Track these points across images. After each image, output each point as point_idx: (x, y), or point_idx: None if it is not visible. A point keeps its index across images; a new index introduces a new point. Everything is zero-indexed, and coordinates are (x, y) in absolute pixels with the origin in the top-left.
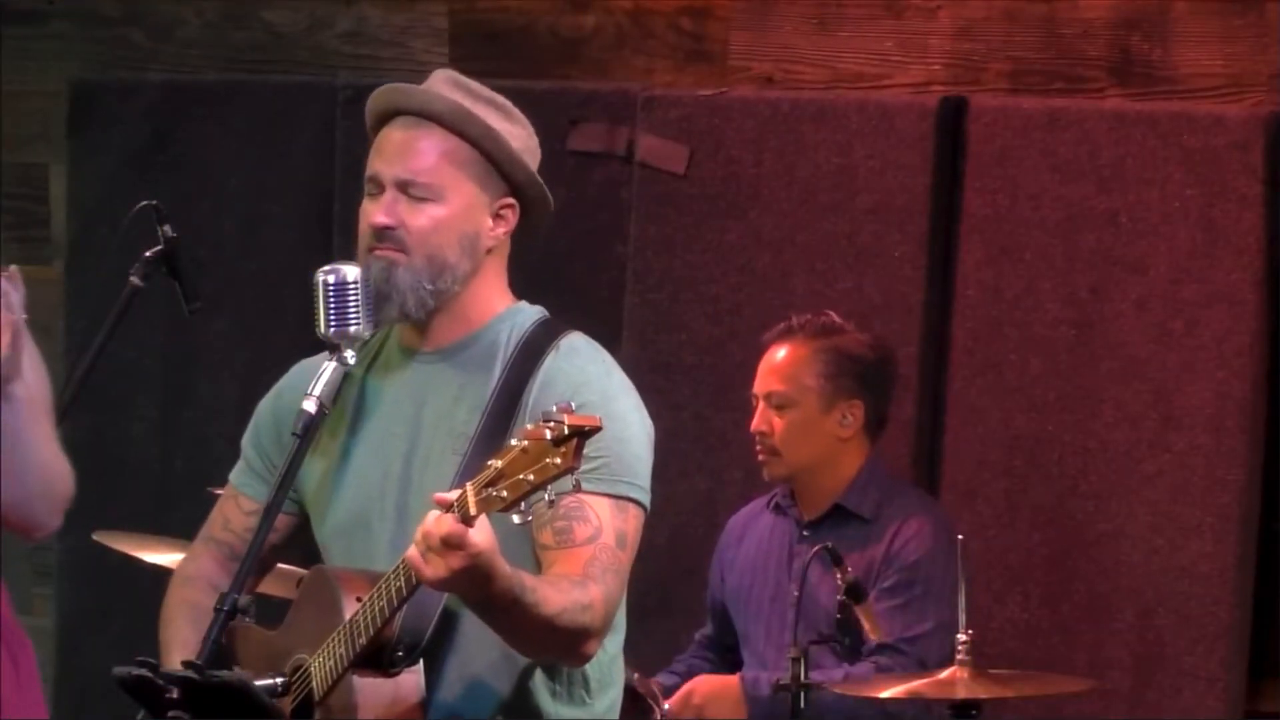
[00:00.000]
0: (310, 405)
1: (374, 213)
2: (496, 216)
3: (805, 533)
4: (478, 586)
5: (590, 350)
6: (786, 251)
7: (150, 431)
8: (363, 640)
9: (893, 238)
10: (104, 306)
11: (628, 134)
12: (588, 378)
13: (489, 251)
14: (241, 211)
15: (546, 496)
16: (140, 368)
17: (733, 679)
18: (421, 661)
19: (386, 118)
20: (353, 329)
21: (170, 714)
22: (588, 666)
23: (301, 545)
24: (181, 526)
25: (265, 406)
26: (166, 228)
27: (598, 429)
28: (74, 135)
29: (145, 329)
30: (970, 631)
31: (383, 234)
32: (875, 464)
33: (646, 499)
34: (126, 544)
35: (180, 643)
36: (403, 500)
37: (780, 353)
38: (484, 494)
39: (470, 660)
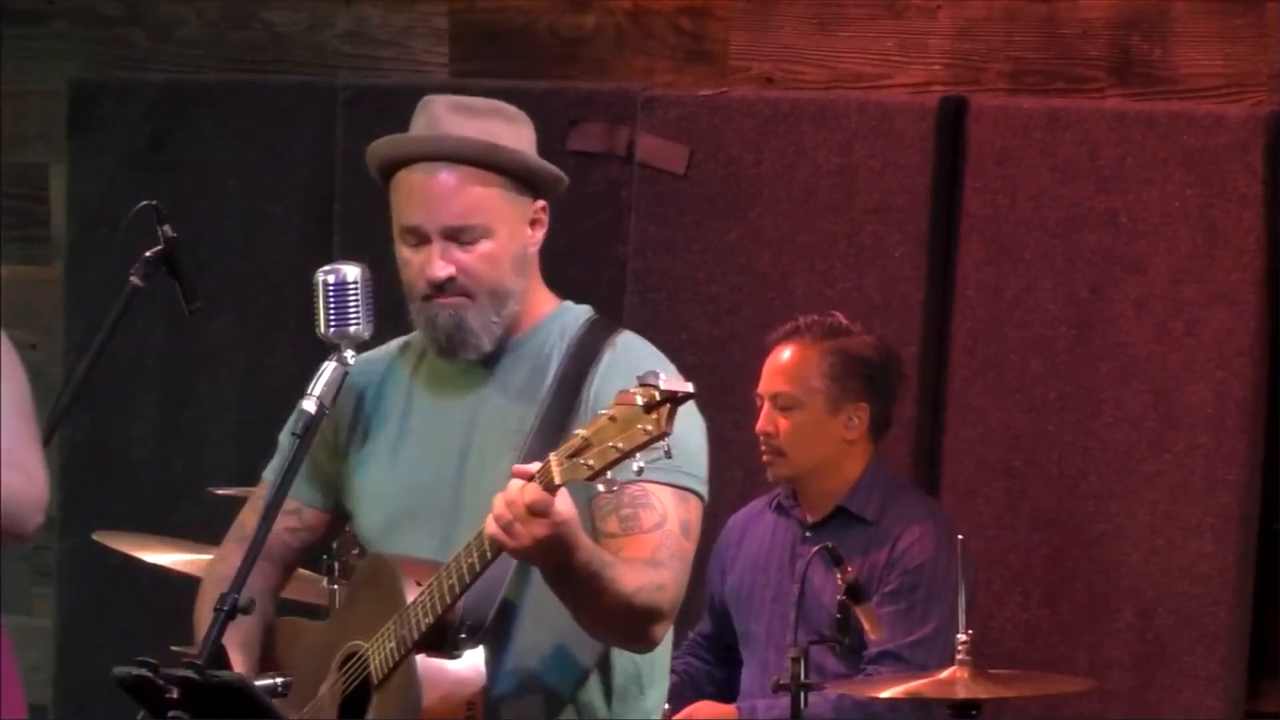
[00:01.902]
0: (310, 405)
1: (428, 266)
2: (533, 224)
3: (808, 534)
4: (560, 556)
5: (646, 347)
6: (786, 251)
7: (150, 431)
8: (429, 620)
9: (893, 238)
10: (104, 306)
11: (628, 134)
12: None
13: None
14: (241, 211)
15: (635, 465)
16: (140, 368)
17: (730, 708)
18: (483, 646)
19: (401, 163)
20: (353, 329)
21: (170, 714)
22: (640, 661)
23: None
24: (181, 526)
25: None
26: (166, 228)
27: (691, 396)
28: (74, 135)
29: (145, 329)
30: (970, 631)
31: (443, 285)
32: (878, 466)
33: (705, 491)
34: (126, 544)
35: (226, 639)
36: (456, 498)
37: (786, 353)
38: (568, 463)
39: (528, 649)
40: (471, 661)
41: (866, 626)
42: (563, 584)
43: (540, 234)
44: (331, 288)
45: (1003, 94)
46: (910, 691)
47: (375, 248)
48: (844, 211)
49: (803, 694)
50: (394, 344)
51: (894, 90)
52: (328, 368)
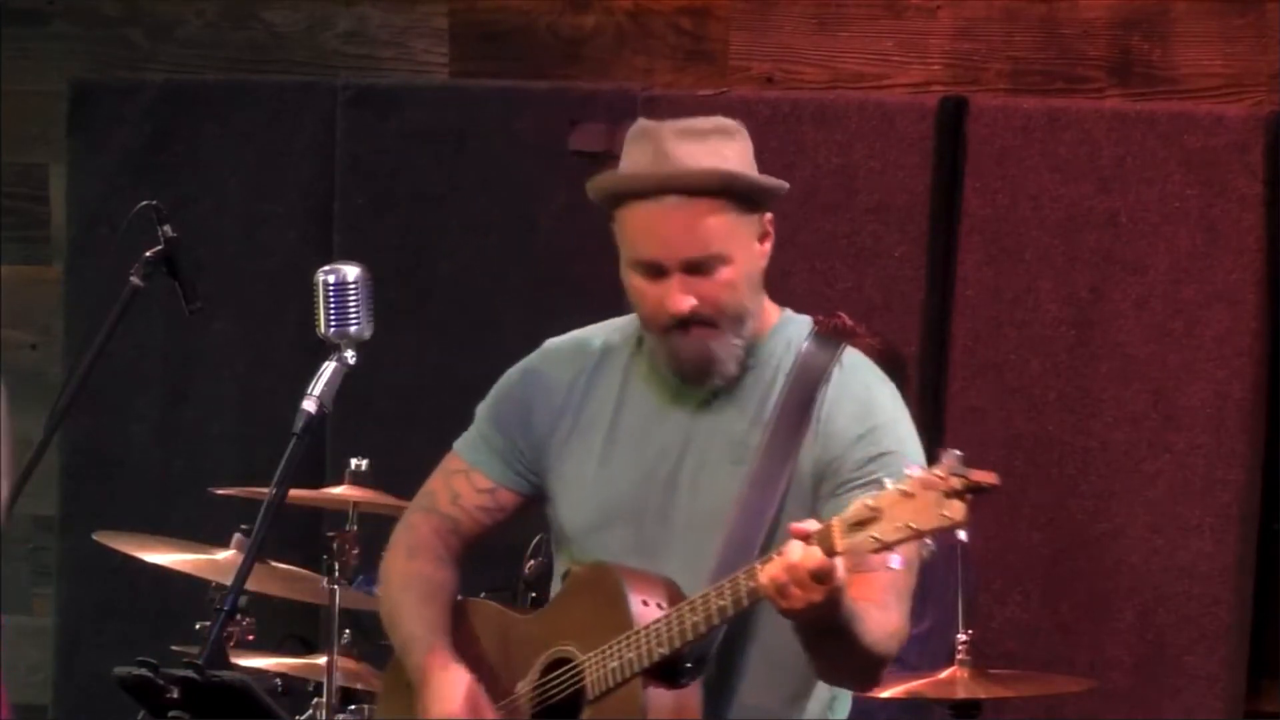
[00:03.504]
0: (310, 405)
1: (669, 299)
2: (763, 238)
3: None
4: (826, 617)
5: (871, 368)
6: (786, 251)
7: (150, 431)
8: (663, 650)
9: (893, 238)
10: (104, 306)
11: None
12: (876, 397)
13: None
14: (241, 211)
15: (929, 547)
16: (140, 368)
17: None
18: (700, 677)
19: (631, 196)
20: (353, 329)
21: (170, 714)
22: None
23: (303, 547)
24: (181, 526)
25: (512, 384)
26: (166, 228)
27: (996, 487)
28: (74, 135)
29: (145, 329)
30: (970, 631)
31: (688, 318)
32: None
33: None
34: (126, 544)
35: (416, 616)
36: (667, 502)
37: None
38: (853, 534)
39: (750, 676)
40: (692, 690)
41: None
42: (816, 637)
43: (769, 245)
44: (331, 288)
45: (1003, 94)
46: (910, 691)
47: (375, 248)
48: (844, 211)
49: None
50: (595, 336)
51: (894, 90)
52: (328, 368)
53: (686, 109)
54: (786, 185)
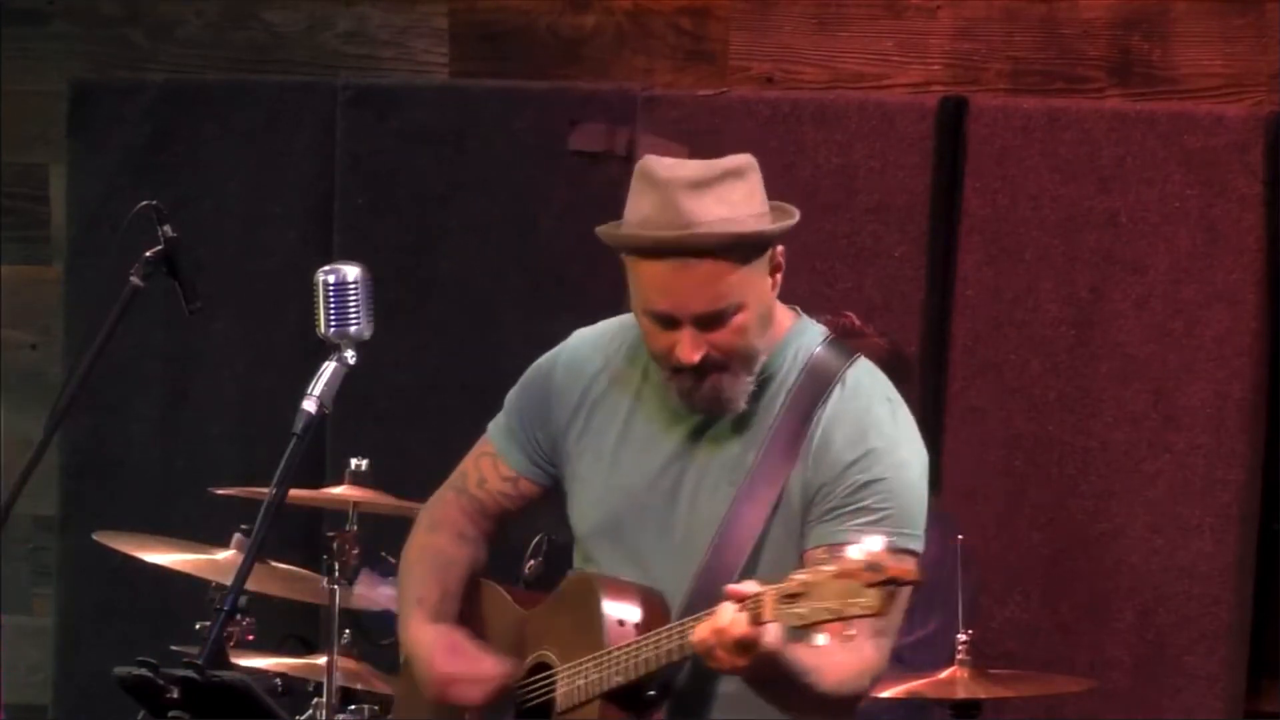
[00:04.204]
0: (310, 405)
1: (680, 349)
2: (774, 270)
3: None
4: (761, 675)
5: (875, 386)
6: (787, 251)
7: (150, 431)
8: (619, 679)
9: (893, 238)
10: (104, 306)
11: (628, 134)
12: (874, 420)
13: None
14: (241, 211)
15: (850, 632)
16: (140, 368)
17: None
18: (665, 704)
19: (645, 250)
20: (353, 329)
21: (170, 714)
22: None
23: (303, 547)
24: (181, 526)
25: (535, 377)
26: (166, 228)
27: (916, 584)
28: (74, 135)
29: (145, 329)
30: (970, 631)
31: (700, 366)
32: None
33: (922, 545)
34: (126, 544)
35: (416, 587)
36: (667, 516)
37: None
38: (781, 607)
39: (715, 704)
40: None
41: None
42: (761, 690)
43: (780, 275)
44: (332, 288)
45: (1003, 94)
46: (910, 691)
47: (375, 248)
48: (844, 211)
49: None
50: (619, 333)
51: (894, 90)
52: (328, 368)
53: (686, 109)
54: (796, 219)
